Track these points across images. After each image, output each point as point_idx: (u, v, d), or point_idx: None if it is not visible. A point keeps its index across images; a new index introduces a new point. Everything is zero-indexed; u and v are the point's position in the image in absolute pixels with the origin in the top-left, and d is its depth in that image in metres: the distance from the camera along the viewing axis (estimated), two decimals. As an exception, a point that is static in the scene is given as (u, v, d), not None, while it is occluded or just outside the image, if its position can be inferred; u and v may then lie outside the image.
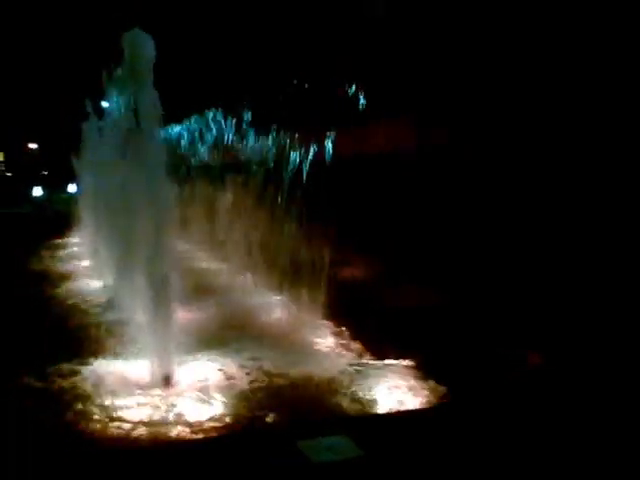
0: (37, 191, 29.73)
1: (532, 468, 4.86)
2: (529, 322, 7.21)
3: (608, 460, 4.89)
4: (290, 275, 9.10)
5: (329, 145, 10.59)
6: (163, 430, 5.98)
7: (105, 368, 7.17)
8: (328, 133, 10.79)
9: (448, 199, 8.84)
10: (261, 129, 11.93)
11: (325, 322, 8.61)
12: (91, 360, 7.34)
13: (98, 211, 13.30)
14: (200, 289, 9.97)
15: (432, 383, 6.75)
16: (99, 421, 6.08)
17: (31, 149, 36.30)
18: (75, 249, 15.74)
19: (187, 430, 6.02)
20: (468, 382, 6.60)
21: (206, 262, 12.13)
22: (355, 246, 9.56)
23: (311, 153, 10.54)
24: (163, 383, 6.90)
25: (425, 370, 7.00)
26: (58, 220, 19.20)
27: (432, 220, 8.96)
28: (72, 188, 27.36)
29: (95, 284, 11.27)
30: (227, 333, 7.88)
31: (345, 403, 6.43)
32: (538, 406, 5.78)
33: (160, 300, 7.26)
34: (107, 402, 6.40)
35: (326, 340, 8.18)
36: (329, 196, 9.23)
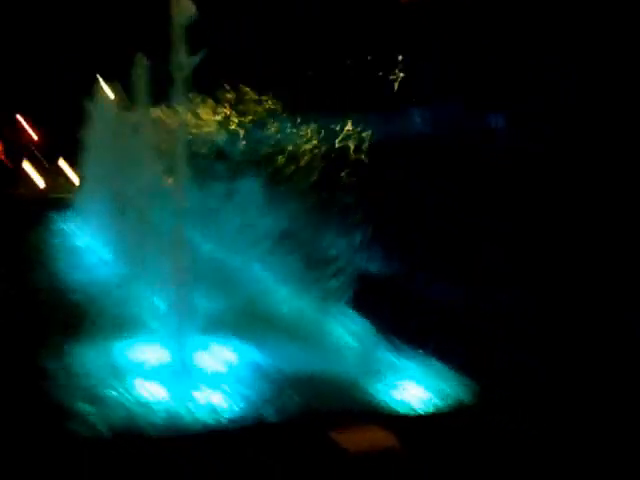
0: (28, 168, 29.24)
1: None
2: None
3: None
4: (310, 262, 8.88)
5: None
6: (180, 417, 5.95)
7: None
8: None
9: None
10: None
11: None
12: (110, 342, 7.24)
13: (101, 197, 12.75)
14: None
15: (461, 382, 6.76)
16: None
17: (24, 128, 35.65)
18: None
19: (209, 418, 6.00)
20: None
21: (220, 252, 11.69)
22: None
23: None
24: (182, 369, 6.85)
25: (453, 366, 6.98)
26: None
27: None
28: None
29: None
30: (242, 321, 7.84)
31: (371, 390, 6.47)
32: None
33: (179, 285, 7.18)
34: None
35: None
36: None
